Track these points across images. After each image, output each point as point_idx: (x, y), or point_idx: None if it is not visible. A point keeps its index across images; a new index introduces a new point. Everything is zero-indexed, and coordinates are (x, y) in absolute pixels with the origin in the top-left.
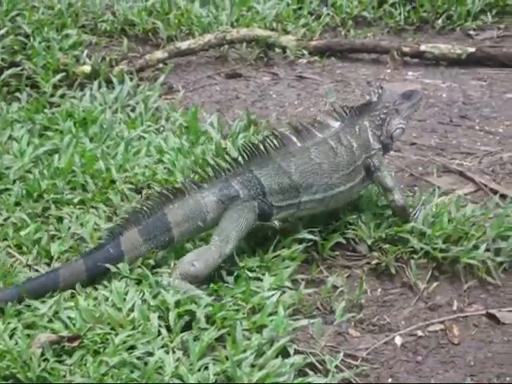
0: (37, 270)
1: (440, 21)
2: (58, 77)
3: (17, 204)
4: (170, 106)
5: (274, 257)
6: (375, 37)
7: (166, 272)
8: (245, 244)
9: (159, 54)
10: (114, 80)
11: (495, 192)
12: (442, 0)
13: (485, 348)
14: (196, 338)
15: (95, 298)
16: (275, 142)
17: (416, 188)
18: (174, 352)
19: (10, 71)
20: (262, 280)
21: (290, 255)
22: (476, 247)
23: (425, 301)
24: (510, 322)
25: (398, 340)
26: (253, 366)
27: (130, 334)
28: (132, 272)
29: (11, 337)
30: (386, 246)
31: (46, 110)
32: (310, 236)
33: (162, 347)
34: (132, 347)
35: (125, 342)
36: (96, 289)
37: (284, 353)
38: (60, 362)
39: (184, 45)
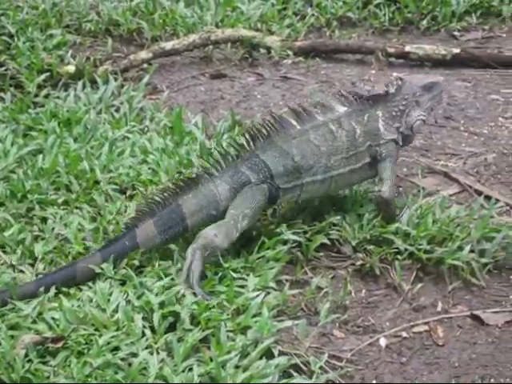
0: (21, 271)
1: (425, 22)
2: (43, 77)
3: (1, 204)
4: (154, 106)
5: (259, 258)
6: (360, 37)
7: (150, 272)
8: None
9: (144, 54)
10: (99, 80)
11: (480, 193)
12: (426, 1)
13: (469, 349)
14: (180, 339)
15: (79, 299)
16: (275, 125)
17: (401, 189)
18: (158, 353)
19: None
20: (246, 281)
21: (274, 256)
22: (460, 248)
23: (409, 302)
24: (495, 324)
25: (383, 341)
26: (237, 367)
27: (114, 335)
28: (116, 273)
29: None
30: (371, 247)
31: (30, 110)
32: (294, 237)
33: (146, 348)
34: (116, 348)
35: (109, 343)
36: (80, 289)
37: (268, 354)
38: (44, 363)
39: (168, 45)
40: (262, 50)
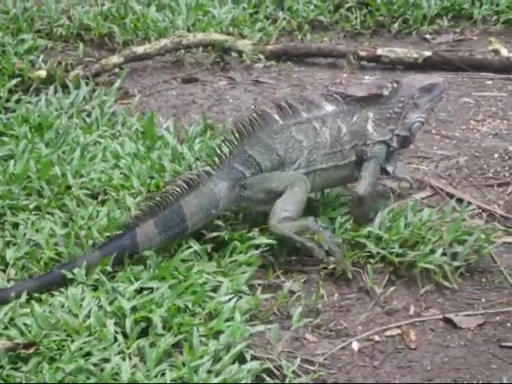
0: None
1: (396, 25)
2: (14, 82)
3: None
4: (126, 110)
5: (231, 262)
6: (332, 41)
7: (122, 277)
8: (201, 250)
9: (115, 59)
10: (70, 85)
11: (452, 196)
12: (398, 4)
13: (442, 352)
14: (152, 344)
15: (51, 305)
16: (259, 120)
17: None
18: (130, 358)
19: None
20: (218, 285)
21: (246, 260)
22: (433, 251)
23: (382, 305)
24: (467, 327)
25: (355, 345)
26: (209, 371)
27: (86, 341)
28: (88, 278)
29: None
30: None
31: (1, 116)
32: (266, 241)
33: (119, 354)
34: (88, 354)
35: (81, 349)
36: (52, 295)
37: (241, 359)
38: (16, 369)
39: (140, 49)
40: (234, 54)
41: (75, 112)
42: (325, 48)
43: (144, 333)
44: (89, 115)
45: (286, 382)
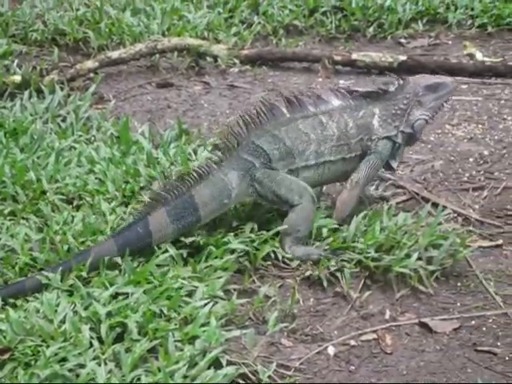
0: None
1: (371, 29)
2: None
3: None
4: (100, 115)
5: (206, 267)
6: (306, 45)
7: (97, 282)
8: (176, 255)
9: (90, 64)
10: (45, 90)
11: (427, 200)
12: (373, 8)
13: (417, 357)
14: (128, 350)
15: (26, 310)
16: (266, 112)
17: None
18: (105, 364)
19: None
20: (194, 290)
21: (222, 265)
22: (408, 256)
23: (357, 310)
24: (442, 331)
25: (331, 350)
26: (185, 377)
27: (61, 346)
28: (63, 283)
29: None
30: None
31: None
32: (241, 246)
33: (94, 359)
34: (63, 359)
35: (56, 354)
36: (27, 300)
37: (216, 364)
38: None
39: (115, 54)
40: (209, 59)
41: (50, 117)
42: (300, 52)
43: (119, 338)
44: (64, 120)
45: None
